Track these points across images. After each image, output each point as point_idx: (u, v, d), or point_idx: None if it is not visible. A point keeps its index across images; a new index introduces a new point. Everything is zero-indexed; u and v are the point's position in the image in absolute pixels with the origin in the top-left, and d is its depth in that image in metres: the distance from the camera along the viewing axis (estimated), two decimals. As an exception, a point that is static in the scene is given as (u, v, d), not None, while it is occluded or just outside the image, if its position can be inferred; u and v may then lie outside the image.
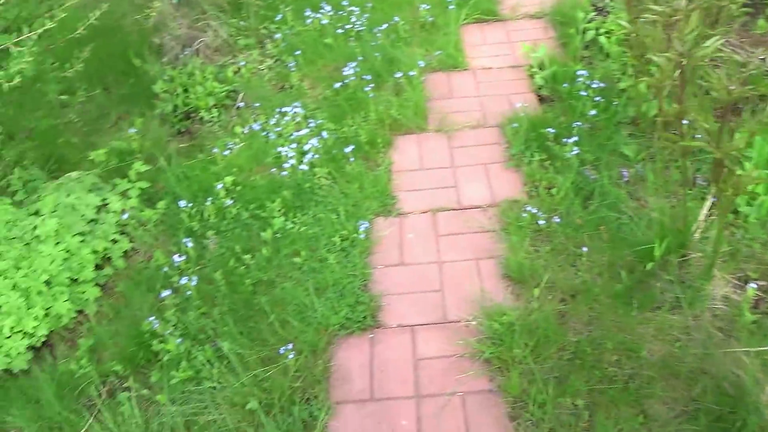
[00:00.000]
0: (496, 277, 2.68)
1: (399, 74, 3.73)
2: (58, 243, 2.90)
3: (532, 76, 3.82)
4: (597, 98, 3.35)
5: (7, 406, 2.49)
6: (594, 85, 3.39)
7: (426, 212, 3.03)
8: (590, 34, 3.89)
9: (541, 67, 3.80)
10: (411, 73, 3.74)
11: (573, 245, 2.72)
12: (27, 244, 2.91)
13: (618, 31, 3.75)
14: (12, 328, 2.68)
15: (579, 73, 3.49)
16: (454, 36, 4.17)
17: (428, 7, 4.41)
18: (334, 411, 2.27)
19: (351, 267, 2.76)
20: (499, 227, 2.88)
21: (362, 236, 2.86)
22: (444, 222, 2.96)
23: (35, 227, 2.98)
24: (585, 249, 2.65)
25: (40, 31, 2.54)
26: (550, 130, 3.20)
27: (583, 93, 3.38)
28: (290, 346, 2.41)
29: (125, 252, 3.12)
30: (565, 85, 3.54)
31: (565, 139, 3.15)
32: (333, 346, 2.49)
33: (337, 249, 2.86)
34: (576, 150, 3.08)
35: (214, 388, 2.40)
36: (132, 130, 3.75)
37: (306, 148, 3.32)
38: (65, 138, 3.87)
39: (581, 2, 4.17)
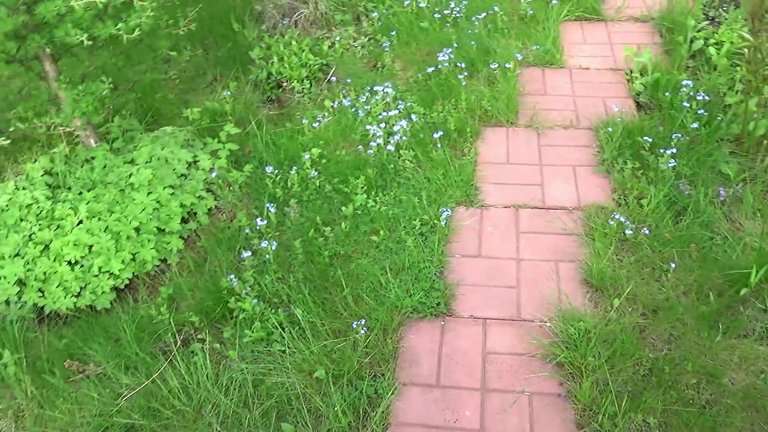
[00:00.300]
0: (574, 281, 2.59)
1: (495, 65, 3.64)
2: (150, 193, 3.01)
3: (631, 80, 3.66)
4: (700, 111, 3.17)
5: (90, 340, 2.61)
6: (698, 98, 3.21)
7: (508, 207, 2.96)
8: (698, 43, 3.68)
9: (643, 73, 3.63)
10: (507, 65, 3.65)
11: (660, 260, 2.60)
12: (122, 190, 3.04)
13: (730, 42, 3.53)
14: (100, 268, 2.81)
15: (684, 83, 3.31)
16: (553, 32, 4.04)
17: (530, -1, 4.28)
18: (399, 391, 2.27)
19: (428, 252, 2.74)
20: (583, 231, 2.78)
21: (443, 223, 2.83)
22: (526, 219, 2.89)
23: (130, 175, 3.10)
24: (673, 265, 2.52)
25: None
26: (647, 138, 3.06)
27: (686, 104, 3.21)
28: (362, 321, 2.42)
29: (209, 209, 3.21)
30: (666, 94, 3.37)
31: (661, 150, 3.00)
32: (404, 328, 2.48)
33: (416, 233, 2.84)
34: (672, 162, 2.93)
35: (284, 351, 2.45)
36: (226, 93, 3.83)
37: (394, 129, 3.30)
38: (163, 93, 4.01)
39: (692, 10, 3.96)
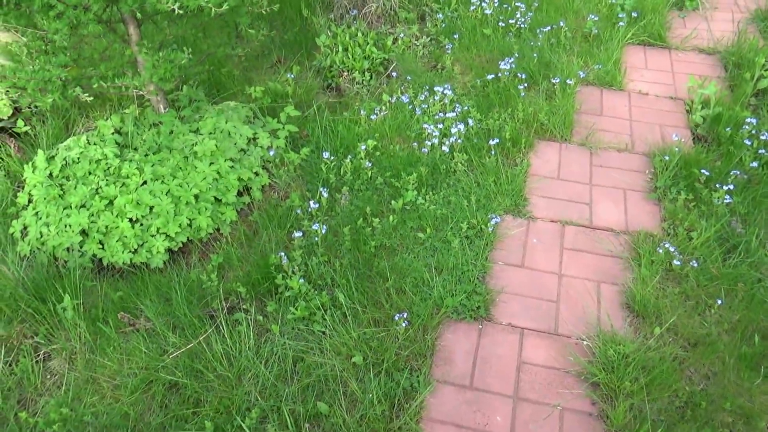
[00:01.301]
0: (616, 304, 2.53)
1: (556, 80, 3.57)
2: (211, 164, 3.03)
3: (691, 111, 3.55)
4: (761, 151, 3.06)
5: (142, 296, 2.64)
6: (762, 137, 3.10)
7: (555, 222, 2.91)
8: (765, 82, 3.55)
9: (704, 105, 3.52)
10: (568, 81, 3.57)
11: (705, 294, 2.52)
12: (185, 157, 3.06)
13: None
14: (158, 228, 2.83)
15: (747, 120, 3.20)
16: (615, 53, 3.94)
17: (596, 18, 4.18)
18: (434, 388, 2.25)
19: (473, 256, 2.71)
20: (629, 256, 2.71)
21: (490, 229, 2.79)
22: (571, 236, 2.84)
23: (195, 144, 3.12)
24: (719, 302, 2.45)
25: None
26: (704, 171, 2.97)
27: (747, 142, 3.10)
28: (404, 314, 2.40)
29: (263, 186, 3.21)
30: (727, 129, 3.26)
31: (717, 185, 2.91)
32: (442, 327, 2.46)
33: (463, 235, 2.80)
34: (728, 199, 2.84)
35: (324, 333, 2.44)
36: (289, 75, 3.83)
37: (451, 131, 3.26)
38: (229, 68, 4.03)
39: (762, 48, 3.82)
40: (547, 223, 2.90)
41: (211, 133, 3.25)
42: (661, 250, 2.64)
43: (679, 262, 2.61)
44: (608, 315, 2.47)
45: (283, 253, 2.65)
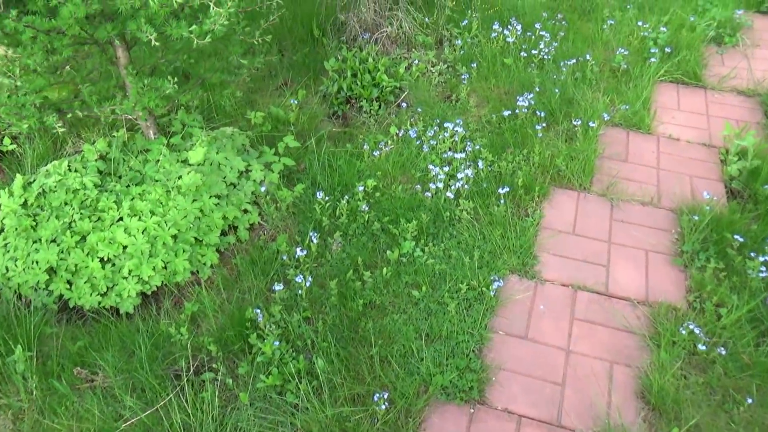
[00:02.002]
0: (629, 391, 2.19)
1: (577, 121, 3.23)
2: (195, 201, 2.77)
3: (725, 162, 3.18)
4: (805, 215, 2.69)
5: (104, 348, 2.39)
6: (806, 200, 2.72)
7: (566, 286, 2.57)
8: (811, 133, 3.16)
9: (741, 156, 3.14)
10: (591, 123, 3.23)
11: (734, 387, 2.16)
12: (168, 191, 2.81)
13: None
14: (130, 271, 2.58)
15: (790, 179, 2.82)
16: (645, 91, 3.58)
17: (626, 52, 3.82)
18: (411, 488, 1.94)
19: (470, 323, 2.39)
20: (647, 333, 2.37)
21: (492, 293, 2.46)
22: (584, 304, 2.50)
23: (180, 177, 2.87)
24: (750, 401, 2.09)
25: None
26: (737, 237, 2.60)
27: (789, 204, 2.73)
28: (385, 394, 2.10)
29: (252, 224, 2.95)
30: (766, 187, 2.88)
31: (752, 253, 2.54)
32: (429, 408, 2.15)
33: (461, 297, 2.49)
34: (764, 271, 2.47)
35: (296, 406, 2.15)
36: (293, 101, 3.56)
37: (458, 175, 2.94)
38: (231, 90, 3.78)
39: (809, 93, 3.42)
40: (558, 287, 2.56)
41: (200, 164, 2.99)
42: (684, 331, 2.29)
43: (704, 347, 2.25)
44: (619, 408, 2.13)
45: (259, 310, 2.37)
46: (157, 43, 2.26)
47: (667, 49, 3.86)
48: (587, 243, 2.76)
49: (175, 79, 2.63)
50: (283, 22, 4.25)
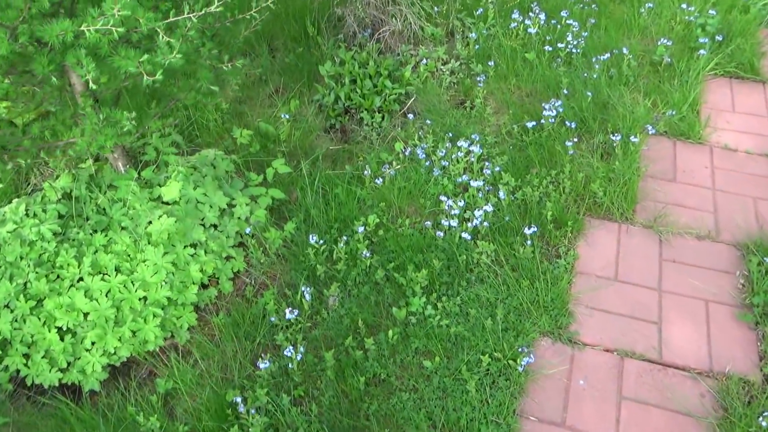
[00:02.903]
0: (695, 501, 1.75)
1: (616, 137, 2.70)
2: (166, 253, 2.33)
3: (794, 178, 2.64)
4: None
5: (62, 441, 2.01)
6: None
7: (610, 352, 2.10)
8: None
9: (814, 172, 2.60)
10: (633, 138, 2.70)
11: (829, 499, 1.70)
12: (135, 241, 2.37)
13: None
14: (94, 342, 2.18)
15: None
16: (694, 90, 3.02)
17: (669, 42, 3.24)
18: None
19: (495, 408, 1.94)
20: (714, 419, 1.90)
21: (520, 368, 2.01)
22: (633, 377, 2.03)
23: (150, 222, 2.43)
24: None
25: (200, 13, 1.85)
26: (822, 286, 2.10)
27: None
28: None
29: (238, 272, 2.51)
30: None
31: (841, 308, 2.04)
32: None
33: (482, 372, 2.04)
34: None
35: None
36: (284, 116, 3.08)
37: (475, 213, 2.46)
38: (216, 102, 3.29)
39: None
40: (600, 354, 2.10)
41: (176, 201, 2.55)
42: (764, 421, 1.82)
43: (790, 443, 1.79)
44: None
45: (240, 399, 1.95)
46: (95, 87, 1.79)
47: (718, 38, 3.27)
48: (633, 292, 2.27)
49: (133, 114, 2.17)
50: (277, 15, 3.73)
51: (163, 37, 1.78)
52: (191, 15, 1.90)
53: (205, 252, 2.43)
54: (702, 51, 3.15)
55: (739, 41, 3.23)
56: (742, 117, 2.97)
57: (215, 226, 2.55)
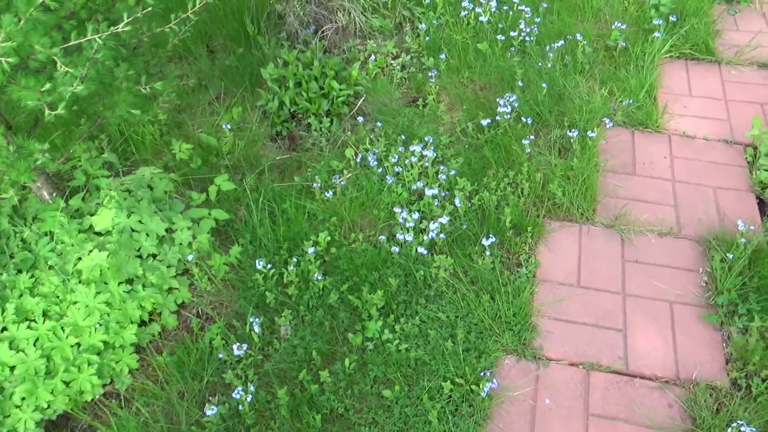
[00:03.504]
0: None
1: (573, 132, 2.58)
2: (99, 293, 2.14)
3: (754, 163, 2.58)
4: None
5: None
6: None
7: (576, 365, 2.01)
8: None
9: (772, 157, 2.53)
10: (590, 133, 2.58)
11: None
12: (64, 281, 2.17)
13: None
14: (24, 398, 1.99)
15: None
16: (650, 76, 2.91)
17: (624, 26, 3.12)
18: None
19: (459, 439, 1.84)
20: (682, 430, 1.83)
21: (483, 393, 1.90)
22: (600, 391, 1.94)
23: (80, 258, 2.23)
24: None
25: (106, 33, 1.63)
26: (786, 282, 2.03)
27: None
28: None
29: (183, 303, 2.33)
30: (812, 203, 2.29)
31: (806, 304, 1.98)
32: None
33: (444, 399, 1.92)
34: (824, 331, 1.92)
35: None
36: (226, 126, 2.87)
37: (431, 226, 2.32)
38: (153, 111, 3.06)
39: None
40: (565, 369, 2.00)
41: (108, 232, 2.35)
42: (731, 431, 1.75)
43: (760, 454, 1.73)
44: None
45: (185, 453, 1.80)
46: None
47: (672, 18, 3.16)
48: (596, 298, 2.18)
49: (46, 145, 1.95)
50: (215, 13, 3.48)
51: (61, 67, 1.56)
52: (96, 36, 1.68)
53: (144, 286, 2.24)
54: (656, 33, 3.04)
55: (694, 21, 3.14)
56: (699, 101, 2.88)
57: (154, 256, 2.36)
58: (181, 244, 2.40)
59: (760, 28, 3.21)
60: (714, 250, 2.21)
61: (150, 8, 1.80)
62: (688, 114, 2.82)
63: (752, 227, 2.25)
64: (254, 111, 3.05)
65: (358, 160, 2.70)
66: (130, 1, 1.82)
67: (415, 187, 2.52)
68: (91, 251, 2.22)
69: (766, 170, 2.48)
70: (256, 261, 2.25)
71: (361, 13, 3.32)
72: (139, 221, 2.37)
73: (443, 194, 2.49)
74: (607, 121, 2.65)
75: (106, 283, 2.16)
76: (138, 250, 2.32)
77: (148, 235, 2.35)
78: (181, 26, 2.19)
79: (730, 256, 2.15)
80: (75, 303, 2.10)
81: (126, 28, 1.68)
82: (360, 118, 2.89)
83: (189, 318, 2.28)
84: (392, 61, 3.25)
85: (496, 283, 2.18)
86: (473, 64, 3.12)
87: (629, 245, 2.32)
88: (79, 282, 2.17)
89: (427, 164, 2.58)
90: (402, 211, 2.37)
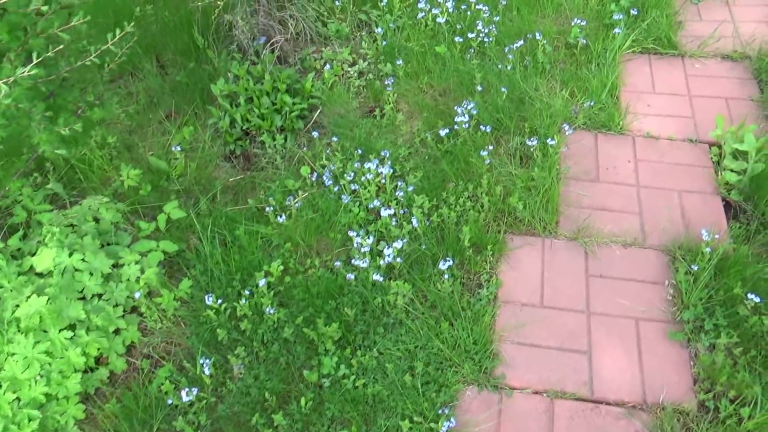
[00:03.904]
0: None
1: (533, 141, 2.46)
2: (38, 342, 2.00)
3: (719, 163, 2.48)
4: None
5: None
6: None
7: (540, 394, 1.92)
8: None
9: (737, 155, 2.43)
10: (550, 141, 2.46)
11: None
12: (0, 332, 2.03)
13: None
14: (-40, 461, 1.86)
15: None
16: (612, 74, 2.79)
17: (583, 23, 2.99)
18: None
19: (418, 483, 1.74)
20: (650, 462, 1.75)
21: (443, 430, 1.80)
22: (565, 421, 1.85)
23: (18, 305, 2.09)
24: None
25: (9, 79, 1.47)
26: (751, 296, 1.94)
27: (812, 234, 2.06)
28: None
29: (132, 344, 2.21)
30: (778, 204, 2.20)
31: (773, 316, 1.90)
32: None
33: (403, 439, 1.82)
34: (792, 345, 1.83)
35: None
36: (176, 148, 2.72)
37: (385, 251, 2.19)
38: (102, 134, 2.90)
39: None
40: (529, 398, 1.91)
41: (50, 272, 2.21)
42: (700, 460, 1.67)
43: (729, 484, 1.64)
44: None
45: None
46: None
47: (633, 11, 3.03)
48: (560, 318, 2.08)
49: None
50: (165, 25, 3.31)
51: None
52: (1, 82, 1.53)
53: (88, 330, 2.11)
54: (617, 29, 2.91)
55: (655, 13, 3.01)
56: (663, 98, 2.77)
57: (100, 296, 2.23)
58: (128, 279, 2.27)
59: (723, 17, 3.09)
60: (679, 262, 2.12)
61: (62, 46, 1.64)
62: (652, 113, 2.71)
63: (717, 236, 2.15)
64: (206, 129, 2.89)
65: (314, 179, 2.56)
66: (40, 40, 1.65)
67: (372, 206, 2.40)
68: (29, 297, 2.08)
69: (731, 171, 2.38)
70: (206, 296, 2.12)
71: (315, 20, 3.17)
72: (82, 259, 2.22)
73: (402, 211, 2.37)
74: (567, 127, 2.53)
75: (45, 331, 2.03)
76: (81, 292, 2.18)
77: (92, 273, 2.21)
78: (120, 45, 2.04)
79: (695, 268, 2.05)
80: (13, 355, 1.97)
81: (33, 71, 1.52)
82: (315, 133, 2.75)
83: (140, 358, 2.16)
84: (349, 68, 3.10)
85: (456, 307, 2.07)
86: (432, 69, 2.98)
87: (593, 258, 2.22)
88: (18, 331, 2.03)
89: (384, 181, 2.46)
90: (357, 236, 2.25)
